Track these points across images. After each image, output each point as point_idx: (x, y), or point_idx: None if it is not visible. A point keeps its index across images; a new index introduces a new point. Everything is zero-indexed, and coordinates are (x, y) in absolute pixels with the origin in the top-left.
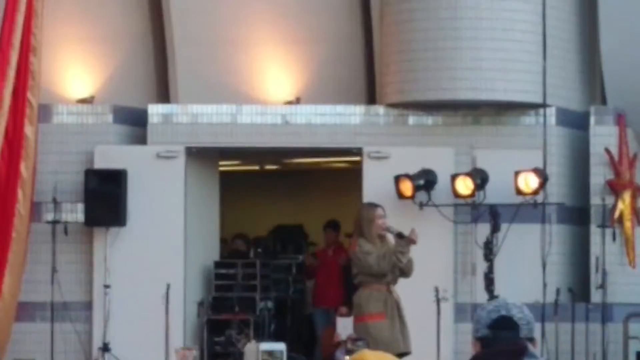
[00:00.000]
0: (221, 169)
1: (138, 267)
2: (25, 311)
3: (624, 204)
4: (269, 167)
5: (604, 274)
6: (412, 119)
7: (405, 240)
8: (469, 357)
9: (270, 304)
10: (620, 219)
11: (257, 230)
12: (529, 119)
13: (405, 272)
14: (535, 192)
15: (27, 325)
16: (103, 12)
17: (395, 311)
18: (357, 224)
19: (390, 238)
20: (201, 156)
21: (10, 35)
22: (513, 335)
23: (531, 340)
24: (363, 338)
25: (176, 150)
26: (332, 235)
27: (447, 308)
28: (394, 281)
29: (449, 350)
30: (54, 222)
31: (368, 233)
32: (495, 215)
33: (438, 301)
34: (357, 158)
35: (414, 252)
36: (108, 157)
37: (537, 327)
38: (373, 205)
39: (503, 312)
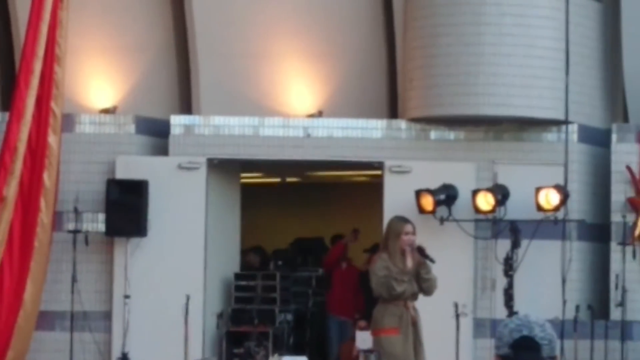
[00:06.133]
0: (242, 181)
1: (158, 277)
2: (45, 320)
3: None
4: (290, 179)
5: (624, 291)
6: (434, 134)
7: (424, 258)
8: None
9: (289, 317)
10: None
11: (278, 243)
12: (551, 136)
13: (424, 291)
14: (556, 209)
15: (47, 334)
16: (127, 23)
17: (410, 327)
18: (384, 236)
19: (412, 257)
20: (223, 168)
21: (34, 45)
22: (534, 356)
23: (552, 359)
24: (375, 350)
25: (198, 161)
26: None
27: (466, 323)
28: (413, 298)
29: None
30: (75, 232)
31: (392, 247)
32: (515, 231)
33: (457, 316)
34: (378, 172)
35: (435, 266)
36: (130, 168)
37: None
38: (403, 220)
39: (525, 332)
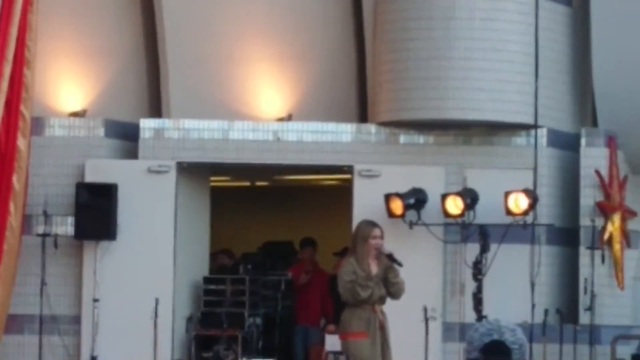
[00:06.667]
0: (212, 184)
1: (127, 281)
2: (14, 323)
3: (613, 226)
4: (259, 183)
5: (593, 295)
6: (403, 138)
7: (394, 262)
8: None
9: (258, 320)
10: (610, 241)
11: (247, 246)
12: (520, 140)
13: (392, 294)
14: (525, 213)
15: (15, 337)
16: (97, 27)
17: (377, 331)
18: (353, 240)
19: (377, 261)
20: (192, 171)
21: (3, 48)
22: None
23: None
24: (343, 352)
25: (167, 165)
26: (309, 252)
27: (436, 327)
28: (381, 301)
29: None
30: (44, 235)
31: (361, 251)
32: (484, 235)
33: (426, 320)
34: (347, 176)
35: (404, 270)
36: (99, 171)
37: None
38: (371, 224)
39: (495, 337)
